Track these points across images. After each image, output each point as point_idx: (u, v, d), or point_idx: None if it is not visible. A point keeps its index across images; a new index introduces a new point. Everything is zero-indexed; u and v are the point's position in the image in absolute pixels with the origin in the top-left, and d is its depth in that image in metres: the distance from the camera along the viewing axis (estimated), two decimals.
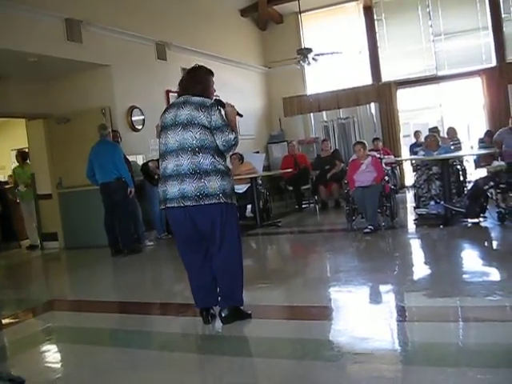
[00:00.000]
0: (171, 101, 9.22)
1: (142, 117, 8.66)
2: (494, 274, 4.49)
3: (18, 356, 3.74)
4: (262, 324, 3.67)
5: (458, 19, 11.83)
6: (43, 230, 9.09)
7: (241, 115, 3.74)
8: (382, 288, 4.43)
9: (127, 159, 7.64)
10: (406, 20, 12.35)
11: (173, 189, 3.40)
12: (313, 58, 10.70)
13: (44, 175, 8.88)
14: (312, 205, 10.35)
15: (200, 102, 3.45)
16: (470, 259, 5.27)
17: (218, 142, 3.41)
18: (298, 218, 9.59)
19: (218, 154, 3.45)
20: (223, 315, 3.57)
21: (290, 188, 10.50)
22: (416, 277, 4.74)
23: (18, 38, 6.60)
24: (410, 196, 9.66)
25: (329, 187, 9.77)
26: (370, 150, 7.60)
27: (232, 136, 3.43)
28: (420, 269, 5.06)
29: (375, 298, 4.26)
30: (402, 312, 3.75)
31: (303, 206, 10.39)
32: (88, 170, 7.29)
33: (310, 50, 10.68)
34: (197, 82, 3.60)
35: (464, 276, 4.47)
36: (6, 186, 10.26)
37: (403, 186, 11.41)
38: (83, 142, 7.75)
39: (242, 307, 3.64)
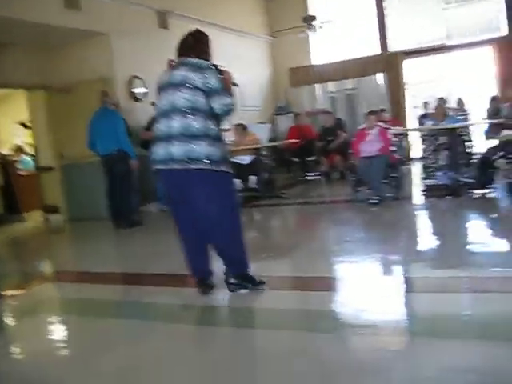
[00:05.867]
0: None
1: (143, 87, 8.49)
2: (502, 245, 4.42)
3: (20, 326, 3.74)
4: (264, 295, 3.60)
5: None
6: (46, 202, 9.03)
7: (236, 85, 3.63)
8: (388, 259, 4.35)
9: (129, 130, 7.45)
10: None
11: (161, 150, 3.33)
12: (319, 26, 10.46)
13: (46, 147, 8.77)
14: (317, 176, 10.24)
15: (196, 63, 3.36)
16: (478, 230, 5.19)
17: (214, 105, 3.29)
18: (302, 189, 9.50)
19: (211, 117, 3.32)
20: (230, 281, 3.52)
21: (296, 159, 10.37)
22: (422, 248, 4.69)
23: (15, 6, 6.41)
24: (417, 168, 9.52)
25: (331, 158, 9.60)
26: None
27: (229, 100, 3.33)
28: (426, 240, 4.99)
29: (380, 268, 4.19)
30: (407, 283, 3.69)
31: (309, 177, 10.28)
32: (89, 140, 7.13)
33: (314, 18, 10.42)
34: (197, 43, 3.52)
35: (471, 247, 4.42)
36: (10, 159, 10.15)
37: (411, 158, 11.25)
38: (84, 112, 7.56)
39: (249, 273, 3.55)
